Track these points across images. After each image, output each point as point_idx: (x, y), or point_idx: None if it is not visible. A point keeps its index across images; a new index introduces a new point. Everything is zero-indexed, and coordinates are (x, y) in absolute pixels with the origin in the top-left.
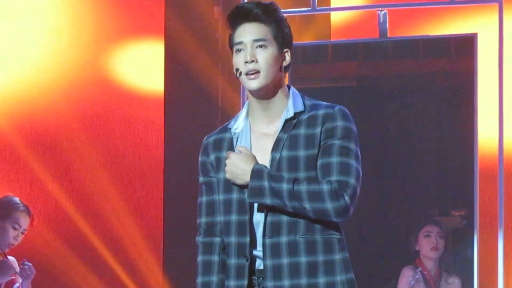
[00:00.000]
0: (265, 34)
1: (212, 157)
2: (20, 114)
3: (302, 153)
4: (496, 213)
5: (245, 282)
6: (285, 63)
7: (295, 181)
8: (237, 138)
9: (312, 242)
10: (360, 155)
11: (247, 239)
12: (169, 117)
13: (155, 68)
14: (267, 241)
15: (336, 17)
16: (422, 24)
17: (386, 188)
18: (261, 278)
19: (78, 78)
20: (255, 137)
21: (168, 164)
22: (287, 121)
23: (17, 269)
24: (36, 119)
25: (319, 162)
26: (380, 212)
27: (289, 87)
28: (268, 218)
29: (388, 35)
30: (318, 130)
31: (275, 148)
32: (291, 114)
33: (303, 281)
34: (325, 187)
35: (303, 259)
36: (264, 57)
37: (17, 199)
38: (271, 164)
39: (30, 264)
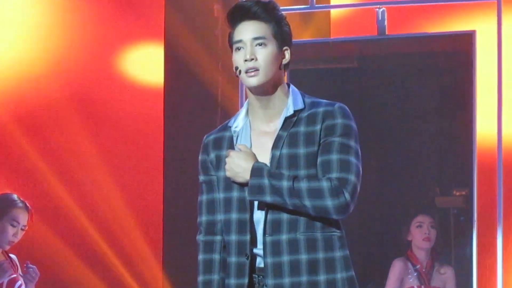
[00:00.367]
0: (265, 32)
1: (212, 155)
2: (20, 115)
3: (302, 150)
4: (494, 209)
5: (246, 280)
6: (284, 61)
7: (295, 178)
8: (237, 136)
9: (312, 239)
10: (360, 152)
11: (248, 237)
12: (169, 116)
13: (155, 66)
14: (268, 239)
15: (335, 15)
16: (421, 22)
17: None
18: (261, 276)
19: (78, 78)
20: (255, 135)
21: (168, 163)
22: (287, 119)
23: (18, 268)
24: (36, 119)
25: (319, 160)
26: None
27: (288, 85)
28: (269, 216)
29: (386, 33)
30: (318, 127)
31: (275, 146)
32: (291, 112)
33: (304, 278)
34: (325, 184)
35: (303, 256)
36: (264, 55)
37: (14, 196)
38: (271, 162)
39: (34, 266)
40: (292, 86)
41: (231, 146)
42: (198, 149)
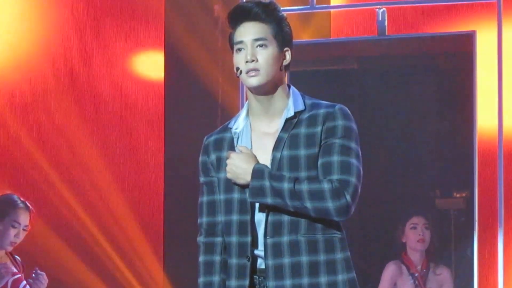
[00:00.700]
0: (265, 33)
1: (212, 157)
2: (20, 114)
3: (302, 152)
4: (495, 210)
5: (247, 282)
6: (285, 62)
7: (296, 180)
8: (238, 137)
9: (313, 241)
10: (360, 154)
11: (249, 239)
12: (170, 116)
13: (155, 66)
14: (269, 240)
15: (336, 15)
16: (421, 22)
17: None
18: (262, 278)
19: (78, 80)
20: (255, 137)
21: (168, 164)
22: (287, 120)
23: (15, 269)
24: (36, 120)
25: (320, 161)
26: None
27: (289, 86)
28: (269, 218)
29: (386, 33)
30: (318, 129)
31: (276, 147)
32: (292, 113)
33: (305, 280)
34: (326, 186)
35: (304, 258)
36: (265, 56)
37: (15, 197)
38: (272, 164)
39: (43, 273)
40: (292, 87)
41: (232, 147)
42: (199, 149)
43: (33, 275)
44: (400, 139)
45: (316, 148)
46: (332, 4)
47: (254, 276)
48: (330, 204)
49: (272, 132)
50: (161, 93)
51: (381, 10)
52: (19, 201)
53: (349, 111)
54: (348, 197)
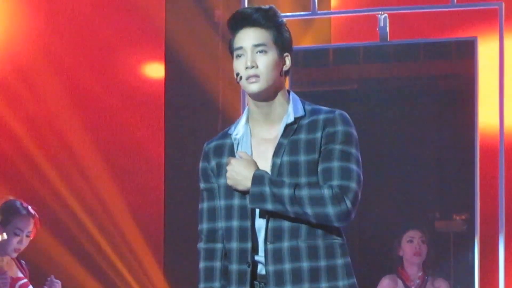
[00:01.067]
0: (265, 39)
1: (213, 163)
2: (19, 118)
3: (303, 158)
4: (496, 218)
5: (247, 287)
6: (285, 68)
7: (296, 186)
8: (238, 143)
9: (314, 247)
10: (360, 160)
11: (249, 245)
12: (170, 122)
13: (155, 71)
14: (269, 246)
15: (337, 21)
16: (423, 28)
17: (387, 192)
18: (263, 283)
19: (80, 83)
20: (255, 143)
21: (169, 169)
22: (287, 126)
23: (21, 274)
24: (36, 122)
25: (320, 167)
26: (379, 215)
27: (289, 92)
28: (270, 224)
29: (388, 39)
30: (318, 135)
31: (276, 153)
32: (292, 119)
33: (305, 286)
34: (326, 191)
35: (305, 264)
36: (264, 62)
37: (17, 203)
38: (272, 170)
39: (59, 281)
40: (292, 93)
41: (232, 154)
42: (199, 155)
43: (48, 282)
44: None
45: (316, 154)
46: (332, 9)
47: (255, 282)
48: (330, 210)
49: (272, 138)
50: (161, 98)
51: (383, 16)
52: (21, 208)
53: (349, 117)
54: (348, 203)
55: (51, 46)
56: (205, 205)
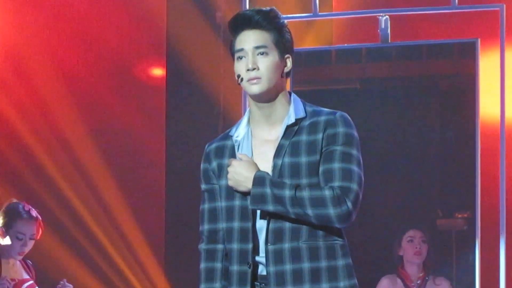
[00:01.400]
0: (266, 40)
1: (214, 164)
2: (21, 119)
3: (304, 159)
4: (498, 216)
5: None
6: (286, 69)
7: (297, 187)
8: (239, 145)
9: (315, 248)
10: (362, 161)
11: (250, 246)
12: (171, 123)
13: (157, 73)
14: (270, 247)
15: (339, 22)
16: (424, 30)
17: (388, 190)
18: (263, 284)
19: (81, 85)
20: (256, 144)
21: (170, 171)
22: (288, 127)
23: (27, 275)
24: (37, 125)
25: (321, 168)
26: (381, 214)
27: (290, 94)
28: (271, 225)
29: (389, 41)
30: (319, 136)
31: (277, 154)
32: (293, 120)
33: (306, 287)
34: (327, 193)
35: (306, 265)
36: (266, 64)
37: (19, 207)
38: (273, 171)
39: (71, 285)
40: (293, 94)
41: (233, 155)
42: (200, 156)
43: (60, 286)
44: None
45: (317, 155)
46: (334, 11)
47: (255, 283)
48: (331, 211)
49: (273, 139)
50: (163, 100)
51: (384, 17)
52: (23, 212)
53: (350, 118)
54: (349, 204)
55: (53, 47)
56: (206, 206)
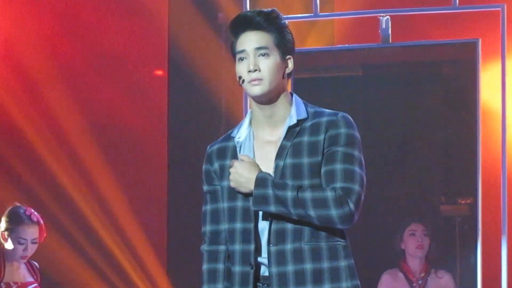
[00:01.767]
0: (267, 42)
1: (216, 165)
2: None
3: (305, 160)
4: (499, 217)
5: None
6: (287, 70)
7: (299, 188)
8: (240, 146)
9: (317, 249)
10: (363, 162)
11: (252, 247)
12: (173, 124)
13: (159, 74)
14: (272, 248)
15: (340, 23)
16: (425, 30)
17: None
18: (266, 285)
19: (83, 86)
20: (258, 145)
21: (172, 172)
22: (290, 128)
23: (32, 278)
24: (38, 125)
25: (323, 169)
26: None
27: (291, 94)
28: (273, 226)
29: (390, 41)
30: (321, 137)
31: (278, 155)
32: (294, 121)
33: None
34: (329, 194)
35: (308, 266)
36: (267, 65)
37: (21, 211)
38: (275, 172)
39: None
40: (295, 95)
41: (235, 156)
42: (202, 157)
43: None
44: (404, 146)
45: (319, 156)
46: (335, 11)
47: (258, 284)
48: (333, 212)
49: (275, 140)
50: (164, 100)
51: (385, 18)
52: (24, 217)
53: (351, 119)
54: (351, 205)
55: (56, 48)
56: (208, 207)
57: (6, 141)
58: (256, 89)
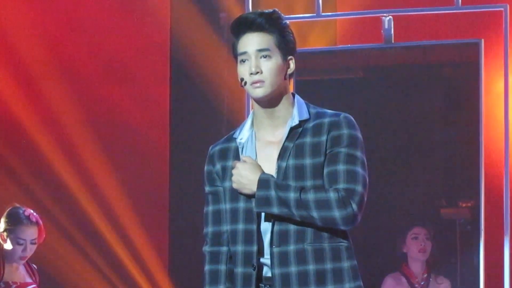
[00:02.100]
0: (269, 43)
1: (218, 166)
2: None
3: (308, 161)
4: (502, 220)
5: None
6: (289, 71)
7: (302, 189)
8: (243, 147)
9: (320, 250)
10: (366, 163)
11: (255, 248)
12: (175, 125)
13: (160, 75)
14: (275, 250)
15: (342, 23)
16: (427, 30)
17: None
18: (268, 286)
19: (84, 87)
20: (260, 146)
21: (174, 172)
22: (292, 129)
23: (30, 279)
24: (39, 124)
25: (325, 170)
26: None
27: (293, 95)
28: (275, 227)
29: (393, 41)
30: (324, 138)
31: (281, 156)
32: (296, 122)
33: None
34: (332, 195)
35: (311, 267)
36: (269, 67)
37: (20, 212)
38: (278, 173)
39: None
40: (297, 96)
41: (237, 157)
42: (204, 158)
43: None
44: (405, 148)
45: (322, 157)
46: (338, 11)
47: (260, 285)
48: (336, 213)
49: (277, 141)
50: (166, 101)
51: (387, 18)
52: (23, 217)
53: (354, 120)
54: (354, 206)
55: (57, 47)
56: (210, 208)
57: (5, 139)
58: (258, 92)
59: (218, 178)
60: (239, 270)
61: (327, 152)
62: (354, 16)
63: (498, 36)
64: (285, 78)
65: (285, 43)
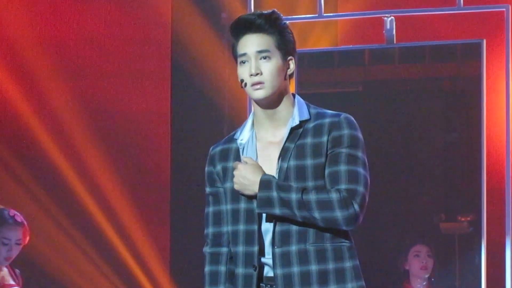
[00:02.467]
0: (268, 44)
1: (218, 167)
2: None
3: (309, 162)
4: (503, 220)
5: None
6: (289, 71)
7: (303, 190)
8: (243, 148)
9: (322, 250)
10: (367, 163)
11: (256, 249)
12: (176, 126)
13: (161, 75)
14: (277, 250)
15: (344, 23)
16: (429, 30)
17: (392, 194)
18: (269, 286)
19: (85, 88)
20: (261, 147)
21: (175, 173)
22: (292, 130)
23: (13, 281)
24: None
25: (327, 171)
26: (384, 220)
27: (294, 96)
28: (277, 228)
29: (395, 41)
30: (324, 138)
31: (282, 157)
32: (297, 122)
33: None
34: (334, 195)
35: (313, 267)
36: (269, 69)
37: (5, 213)
38: (279, 174)
39: None
40: (297, 96)
41: (237, 158)
42: (205, 160)
43: None
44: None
45: (323, 157)
46: (339, 12)
47: (261, 284)
48: (338, 214)
49: (277, 141)
50: (167, 102)
51: (389, 18)
52: (8, 217)
53: (354, 120)
54: (356, 206)
55: (57, 44)
56: (210, 209)
57: (5, 138)
58: (259, 93)
59: (219, 179)
60: (240, 270)
61: (328, 153)
62: (355, 17)
63: (500, 37)
64: (285, 79)
65: (285, 44)
